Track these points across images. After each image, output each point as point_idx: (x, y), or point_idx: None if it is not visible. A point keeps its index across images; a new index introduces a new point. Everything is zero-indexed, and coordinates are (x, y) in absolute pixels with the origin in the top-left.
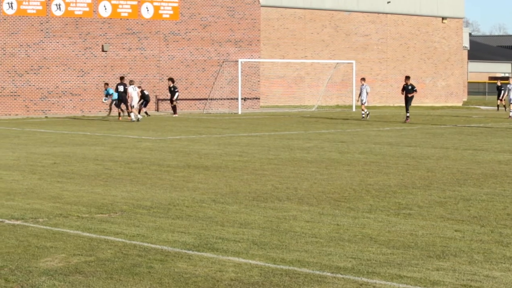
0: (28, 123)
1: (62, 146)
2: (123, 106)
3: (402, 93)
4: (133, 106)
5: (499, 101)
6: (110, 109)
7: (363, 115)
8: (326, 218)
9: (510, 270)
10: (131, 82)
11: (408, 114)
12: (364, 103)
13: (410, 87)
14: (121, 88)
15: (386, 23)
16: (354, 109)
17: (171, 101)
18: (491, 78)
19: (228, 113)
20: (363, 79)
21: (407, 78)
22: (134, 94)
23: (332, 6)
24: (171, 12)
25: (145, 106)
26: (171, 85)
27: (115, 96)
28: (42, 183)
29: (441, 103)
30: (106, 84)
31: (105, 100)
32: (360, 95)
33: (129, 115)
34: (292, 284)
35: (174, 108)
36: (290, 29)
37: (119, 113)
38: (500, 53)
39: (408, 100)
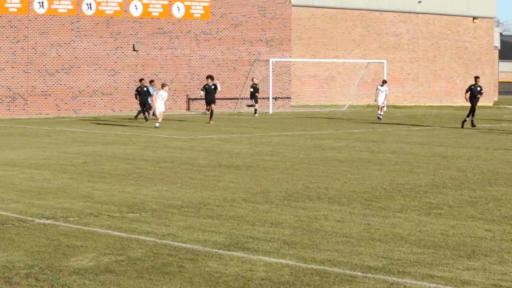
0: (59, 122)
1: (93, 145)
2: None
3: (467, 94)
4: (154, 113)
5: None
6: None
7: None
8: (357, 217)
9: None
10: (163, 86)
11: (473, 118)
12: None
13: (478, 88)
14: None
15: (417, 23)
16: (385, 109)
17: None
18: None
19: (259, 112)
20: (384, 81)
21: (477, 78)
22: (159, 100)
23: (363, 5)
24: (202, 11)
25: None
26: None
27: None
28: (72, 182)
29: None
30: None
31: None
32: (378, 97)
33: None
34: (322, 284)
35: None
36: (321, 28)
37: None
38: None
39: (475, 102)
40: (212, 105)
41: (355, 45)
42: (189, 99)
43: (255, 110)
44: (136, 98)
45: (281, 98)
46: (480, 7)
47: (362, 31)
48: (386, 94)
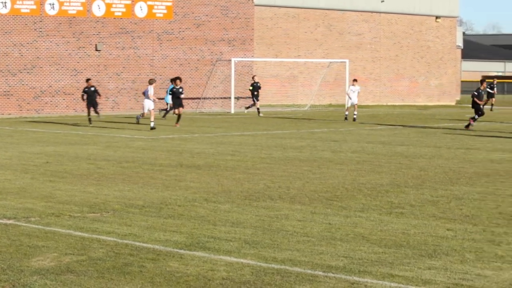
0: (21, 122)
1: (55, 145)
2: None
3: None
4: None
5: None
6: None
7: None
8: (318, 217)
9: (502, 269)
10: (151, 81)
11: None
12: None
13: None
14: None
15: (379, 22)
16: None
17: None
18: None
19: (221, 112)
20: (355, 80)
21: (483, 82)
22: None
23: (326, 5)
24: (165, 11)
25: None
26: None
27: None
28: (34, 183)
29: (434, 102)
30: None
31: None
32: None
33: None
34: (283, 283)
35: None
36: (283, 28)
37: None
38: (493, 52)
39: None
40: (180, 109)
41: (317, 44)
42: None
43: (258, 109)
44: (82, 99)
45: (243, 97)
46: (443, 7)
47: (324, 31)
48: (358, 93)
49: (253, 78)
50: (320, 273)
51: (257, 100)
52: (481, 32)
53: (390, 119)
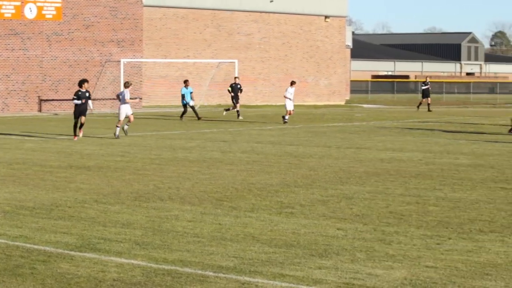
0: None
1: None
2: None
3: None
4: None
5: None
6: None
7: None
8: (208, 217)
9: (393, 268)
10: (127, 85)
11: None
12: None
13: None
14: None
15: (268, 22)
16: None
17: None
18: (374, 76)
19: (110, 114)
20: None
21: None
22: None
23: (215, 5)
24: (54, 12)
25: None
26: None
27: (188, 98)
28: None
29: (324, 101)
30: (186, 81)
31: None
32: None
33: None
34: (174, 284)
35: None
36: (172, 28)
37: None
38: (383, 51)
39: None
40: (82, 117)
41: (206, 45)
42: (40, 100)
43: (238, 112)
44: None
45: (132, 98)
46: (332, 7)
47: (213, 31)
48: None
49: (234, 79)
50: (211, 273)
51: (237, 103)
52: (371, 32)
53: (279, 119)
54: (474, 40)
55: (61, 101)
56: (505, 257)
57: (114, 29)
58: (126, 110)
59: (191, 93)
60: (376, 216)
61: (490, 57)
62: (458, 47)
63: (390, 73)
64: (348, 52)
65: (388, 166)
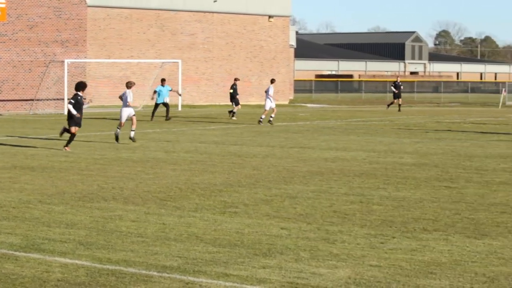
0: None
1: None
2: None
3: None
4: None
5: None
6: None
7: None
8: (152, 217)
9: (337, 267)
10: (129, 85)
11: None
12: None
13: None
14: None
15: (212, 22)
16: (180, 108)
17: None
18: (317, 76)
19: (54, 114)
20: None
21: None
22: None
23: (159, 5)
24: None
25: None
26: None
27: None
28: None
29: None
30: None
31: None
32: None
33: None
34: (118, 284)
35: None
36: (116, 29)
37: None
38: (327, 51)
39: None
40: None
41: (150, 45)
42: None
43: (233, 112)
44: None
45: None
46: (276, 6)
47: (157, 31)
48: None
49: (235, 80)
50: (155, 273)
51: (237, 104)
52: (315, 31)
53: (223, 119)
54: (418, 39)
55: (5, 102)
56: (449, 256)
57: (58, 29)
58: (128, 112)
59: (169, 90)
60: (320, 215)
61: (434, 56)
62: (402, 46)
63: (334, 73)
64: (292, 51)
65: (332, 165)
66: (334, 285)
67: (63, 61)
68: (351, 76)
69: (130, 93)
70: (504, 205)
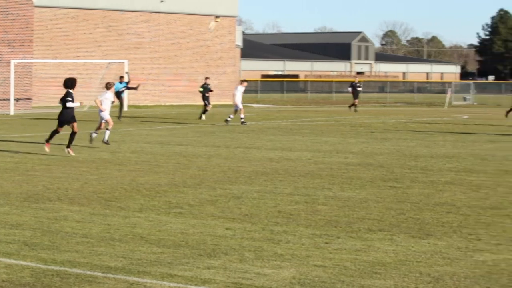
0: None
1: None
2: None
3: None
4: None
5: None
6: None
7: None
8: (97, 218)
9: (281, 267)
10: (109, 86)
11: None
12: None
13: None
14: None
15: (158, 22)
16: (126, 109)
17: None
18: (263, 76)
19: (0, 114)
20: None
21: None
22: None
23: (105, 5)
24: None
25: None
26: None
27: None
28: None
29: (214, 101)
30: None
31: None
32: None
33: None
34: (63, 285)
35: None
36: (63, 29)
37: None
38: (273, 51)
39: None
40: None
41: (96, 45)
42: None
43: (204, 112)
44: None
45: (22, 99)
46: (222, 6)
47: (103, 31)
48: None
49: (205, 79)
50: (99, 274)
51: (209, 103)
52: (261, 31)
53: (168, 119)
54: (364, 39)
55: None
56: (394, 256)
57: (5, 29)
58: (106, 113)
59: (124, 87)
60: (264, 215)
61: (381, 56)
62: (348, 46)
63: (280, 73)
64: (238, 52)
65: (277, 165)
66: (279, 285)
67: (9, 62)
68: (296, 76)
69: (110, 94)
70: (449, 205)
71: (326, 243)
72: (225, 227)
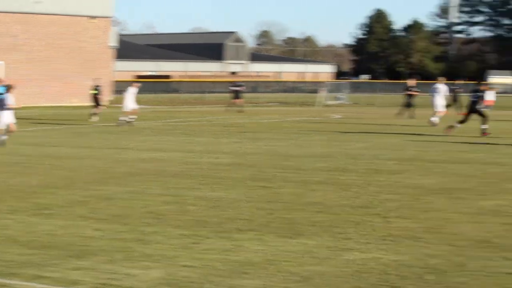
0: None
1: None
2: None
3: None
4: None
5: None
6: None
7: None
8: None
9: (150, 268)
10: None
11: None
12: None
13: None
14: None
15: (33, 24)
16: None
17: None
18: (137, 76)
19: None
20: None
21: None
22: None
23: None
24: None
25: None
26: None
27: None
28: None
29: (88, 102)
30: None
31: None
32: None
33: None
34: None
35: None
36: None
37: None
38: (147, 52)
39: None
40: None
41: None
42: None
43: (94, 114)
44: None
45: None
46: (97, 7)
47: None
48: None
49: (94, 80)
50: None
51: (99, 104)
52: (137, 32)
53: (43, 121)
54: (238, 39)
55: None
56: (262, 255)
57: None
58: (8, 116)
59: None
60: (135, 216)
61: (255, 56)
62: (221, 46)
63: (154, 73)
64: (113, 52)
65: (148, 166)
66: (147, 285)
67: None
68: (168, 76)
69: (10, 97)
70: (320, 205)
71: (195, 243)
72: (94, 228)
